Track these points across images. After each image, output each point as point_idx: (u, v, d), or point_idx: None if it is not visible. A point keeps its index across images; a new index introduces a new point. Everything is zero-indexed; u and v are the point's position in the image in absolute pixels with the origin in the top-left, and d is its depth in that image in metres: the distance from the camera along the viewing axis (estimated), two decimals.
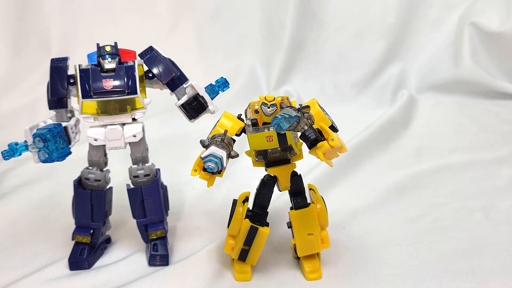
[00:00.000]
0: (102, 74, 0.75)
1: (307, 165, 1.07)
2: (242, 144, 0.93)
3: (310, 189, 0.82)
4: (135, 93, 0.75)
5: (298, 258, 0.81)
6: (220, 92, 0.77)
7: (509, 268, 0.79)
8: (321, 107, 0.73)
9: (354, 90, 1.64)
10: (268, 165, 0.74)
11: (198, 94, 0.76)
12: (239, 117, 0.74)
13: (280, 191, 0.77)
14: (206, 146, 0.67)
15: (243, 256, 0.77)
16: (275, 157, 0.74)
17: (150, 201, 0.81)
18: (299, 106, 0.69)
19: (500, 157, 1.20)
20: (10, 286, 0.78)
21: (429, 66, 1.65)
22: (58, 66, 0.77)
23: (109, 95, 0.74)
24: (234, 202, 0.78)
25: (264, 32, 1.66)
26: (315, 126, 0.67)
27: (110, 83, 0.74)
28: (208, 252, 0.83)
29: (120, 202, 1.04)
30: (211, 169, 0.65)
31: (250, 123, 0.73)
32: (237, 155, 0.68)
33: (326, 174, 1.10)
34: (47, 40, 1.62)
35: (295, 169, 0.76)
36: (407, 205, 1.01)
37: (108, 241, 0.89)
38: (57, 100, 0.77)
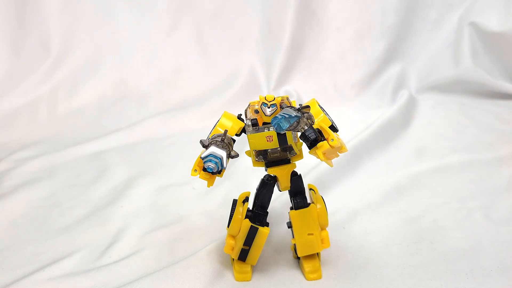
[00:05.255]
0: None
1: (307, 165, 1.07)
2: (242, 144, 0.93)
3: (310, 189, 0.82)
4: None
5: (298, 258, 0.81)
6: None
7: (509, 268, 0.79)
8: (321, 107, 0.73)
9: (354, 90, 1.63)
10: (268, 165, 0.74)
11: None
12: (239, 117, 0.74)
13: (280, 191, 0.77)
14: (206, 146, 0.67)
15: (243, 256, 0.77)
16: (275, 157, 0.74)
17: None
18: (299, 106, 0.69)
19: (500, 157, 1.20)
20: (10, 286, 0.78)
21: (429, 66, 1.65)
22: None
23: None
24: (234, 202, 0.78)
25: (264, 32, 1.66)
26: (315, 126, 0.67)
27: None
28: (208, 252, 0.83)
29: (119, 202, 1.04)
30: (211, 169, 0.65)
31: (250, 123, 0.73)
32: (237, 155, 0.68)
33: (326, 174, 1.10)
34: (47, 40, 1.62)
35: (295, 169, 0.76)
36: (407, 205, 1.01)
37: None
38: None
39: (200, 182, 1.05)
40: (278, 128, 0.65)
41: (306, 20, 1.65)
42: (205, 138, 0.70)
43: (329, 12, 1.65)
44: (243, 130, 0.74)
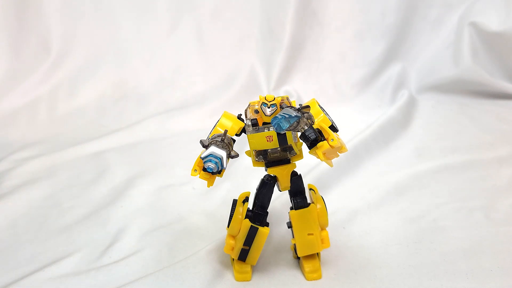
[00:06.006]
0: None
1: (307, 165, 1.07)
2: (242, 144, 0.93)
3: (310, 189, 0.82)
4: None
5: (298, 258, 0.81)
6: None
7: (509, 268, 0.79)
8: (321, 107, 0.73)
9: (354, 90, 1.64)
10: (268, 165, 0.74)
11: None
12: (239, 117, 0.74)
13: (280, 191, 0.77)
14: (206, 146, 0.67)
15: (243, 256, 0.77)
16: (275, 157, 0.74)
17: None
18: (299, 106, 0.69)
19: (500, 157, 1.20)
20: (10, 286, 0.78)
21: (429, 66, 1.65)
22: None
23: None
24: (234, 202, 0.78)
25: (264, 32, 1.66)
26: (315, 126, 0.67)
27: None
28: (208, 252, 0.83)
29: (119, 202, 1.04)
30: (211, 169, 0.65)
31: (250, 123, 0.73)
32: (237, 155, 0.68)
33: (326, 174, 1.10)
34: (47, 40, 1.62)
35: (295, 169, 0.76)
36: (407, 205, 1.01)
37: None
38: None
39: (200, 182, 1.05)
40: (278, 128, 0.65)
41: (306, 20, 1.65)
42: (205, 138, 0.70)
43: (329, 12, 1.65)
44: (243, 130, 0.74)
